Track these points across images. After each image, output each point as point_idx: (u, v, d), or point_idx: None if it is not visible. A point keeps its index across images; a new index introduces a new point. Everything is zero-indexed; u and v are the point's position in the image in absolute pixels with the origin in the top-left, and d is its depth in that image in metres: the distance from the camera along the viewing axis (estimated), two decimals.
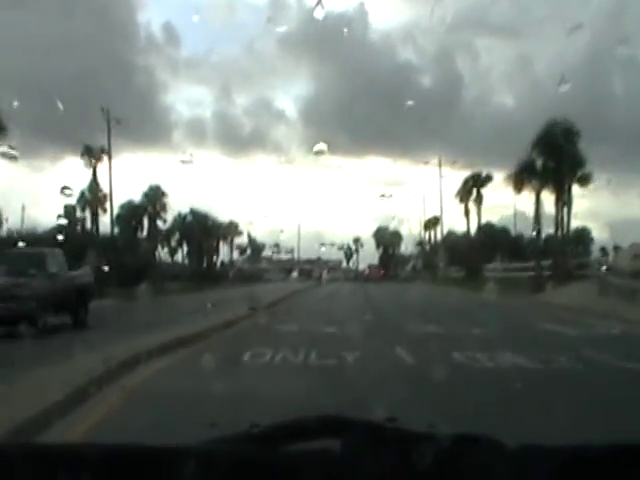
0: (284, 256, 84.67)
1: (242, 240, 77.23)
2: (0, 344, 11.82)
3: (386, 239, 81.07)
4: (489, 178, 53.58)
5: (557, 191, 38.14)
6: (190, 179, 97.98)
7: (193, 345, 12.11)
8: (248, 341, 12.65)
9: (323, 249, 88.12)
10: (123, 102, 58.41)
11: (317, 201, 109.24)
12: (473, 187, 54.22)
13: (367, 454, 1.13)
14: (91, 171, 45.25)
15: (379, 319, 18.65)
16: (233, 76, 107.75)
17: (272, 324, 15.93)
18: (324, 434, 1.20)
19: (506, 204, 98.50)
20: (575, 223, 44.69)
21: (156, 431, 5.51)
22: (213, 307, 21.39)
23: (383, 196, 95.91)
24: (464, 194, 54.57)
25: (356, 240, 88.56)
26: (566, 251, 38.87)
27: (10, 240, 30.24)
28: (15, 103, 31.17)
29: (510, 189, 41.13)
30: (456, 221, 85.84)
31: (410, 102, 39.62)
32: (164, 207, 55.12)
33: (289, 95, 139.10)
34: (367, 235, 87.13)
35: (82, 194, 46.61)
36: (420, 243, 73.33)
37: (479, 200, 54.25)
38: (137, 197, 54.76)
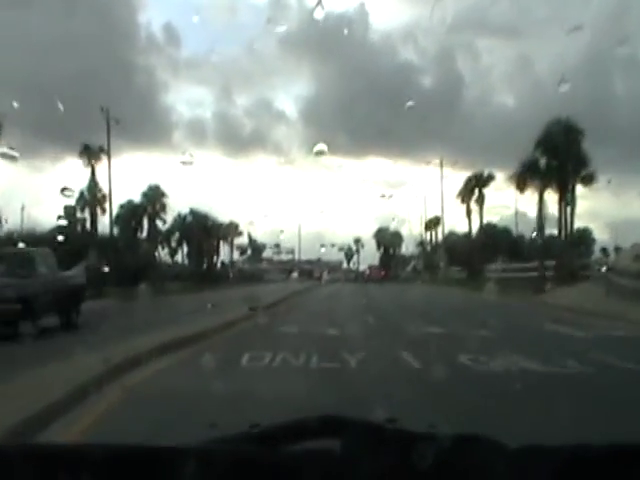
0: (284, 257, 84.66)
1: (242, 240, 77.19)
2: None
3: (387, 240, 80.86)
4: (491, 178, 53.32)
5: (560, 191, 37.90)
6: (190, 179, 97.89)
7: (193, 345, 12.08)
8: (248, 342, 12.63)
9: (323, 250, 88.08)
10: (123, 102, 58.45)
11: (317, 201, 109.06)
12: (475, 187, 53.89)
13: (367, 454, 1.13)
14: (90, 171, 45.40)
15: (380, 320, 18.59)
16: (233, 76, 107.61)
17: (272, 325, 15.92)
18: (324, 434, 1.20)
19: (506, 204, 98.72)
20: (577, 224, 44.57)
21: (156, 431, 5.51)
22: (213, 307, 21.39)
23: (384, 196, 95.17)
24: (466, 194, 54.23)
25: (357, 241, 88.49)
26: (570, 252, 38.66)
27: (10, 240, 30.18)
28: (15, 103, 31.17)
29: (511, 189, 41.02)
30: (457, 221, 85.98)
31: (411, 102, 39.46)
32: (164, 207, 55.10)
33: (289, 95, 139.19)
34: (368, 236, 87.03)
35: (81, 194, 46.61)
36: (421, 244, 73.26)
37: (481, 200, 53.91)
38: (137, 197, 54.83)
